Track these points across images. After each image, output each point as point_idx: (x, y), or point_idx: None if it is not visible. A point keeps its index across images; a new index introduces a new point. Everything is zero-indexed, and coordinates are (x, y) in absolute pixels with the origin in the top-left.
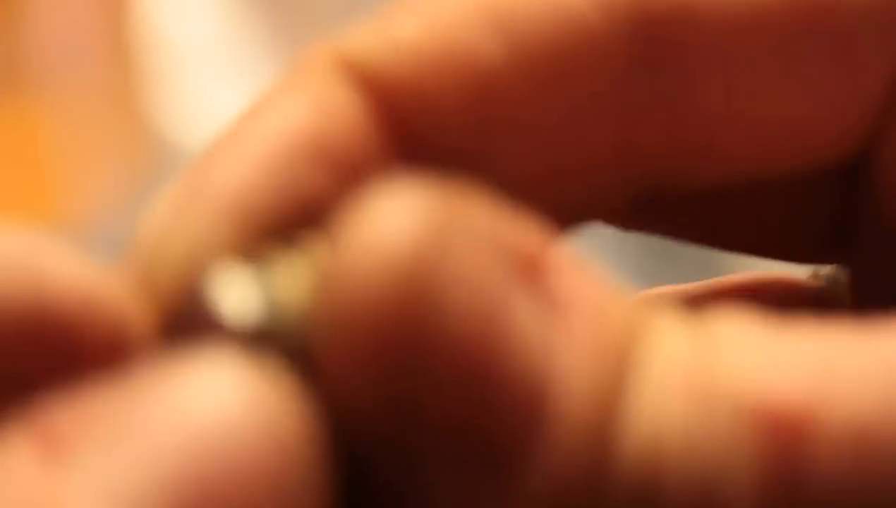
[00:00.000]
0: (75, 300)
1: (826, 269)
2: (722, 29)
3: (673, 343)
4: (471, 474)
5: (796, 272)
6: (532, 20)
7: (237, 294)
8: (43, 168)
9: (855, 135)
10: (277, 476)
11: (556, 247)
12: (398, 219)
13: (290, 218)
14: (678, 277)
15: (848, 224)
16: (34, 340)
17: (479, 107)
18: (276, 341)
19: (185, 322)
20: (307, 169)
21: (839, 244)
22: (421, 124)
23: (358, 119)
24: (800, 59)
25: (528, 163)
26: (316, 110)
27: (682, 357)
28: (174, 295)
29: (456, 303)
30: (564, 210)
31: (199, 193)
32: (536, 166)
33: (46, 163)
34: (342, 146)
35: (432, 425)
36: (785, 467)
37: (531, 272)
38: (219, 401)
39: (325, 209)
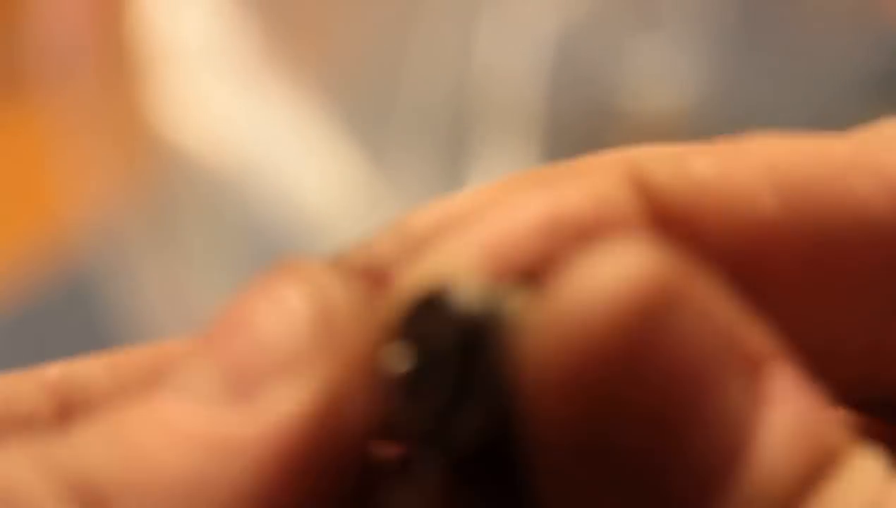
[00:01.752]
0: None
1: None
2: None
3: (867, 478)
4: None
5: None
6: (813, 190)
7: (467, 295)
8: (41, 168)
9: None
10: None
11: (782, 360)
12: (641, 267)
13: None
14: None
15: None
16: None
17: (748, 251)
18: (491, 335)
19: (418, 314)
20: (568, 242)
21: None
22: (689, 253)
23: (632, 222)
24: None
25: (780, 317)
26: (594, 199)
27: (871, 496)
28: (417, 293)
29: (672, 347)
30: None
31: (471, 229)
32: (786, 320)
33: (45, 163)
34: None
35: (621, 453)
36: None
37: (749, 366)
38: None
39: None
